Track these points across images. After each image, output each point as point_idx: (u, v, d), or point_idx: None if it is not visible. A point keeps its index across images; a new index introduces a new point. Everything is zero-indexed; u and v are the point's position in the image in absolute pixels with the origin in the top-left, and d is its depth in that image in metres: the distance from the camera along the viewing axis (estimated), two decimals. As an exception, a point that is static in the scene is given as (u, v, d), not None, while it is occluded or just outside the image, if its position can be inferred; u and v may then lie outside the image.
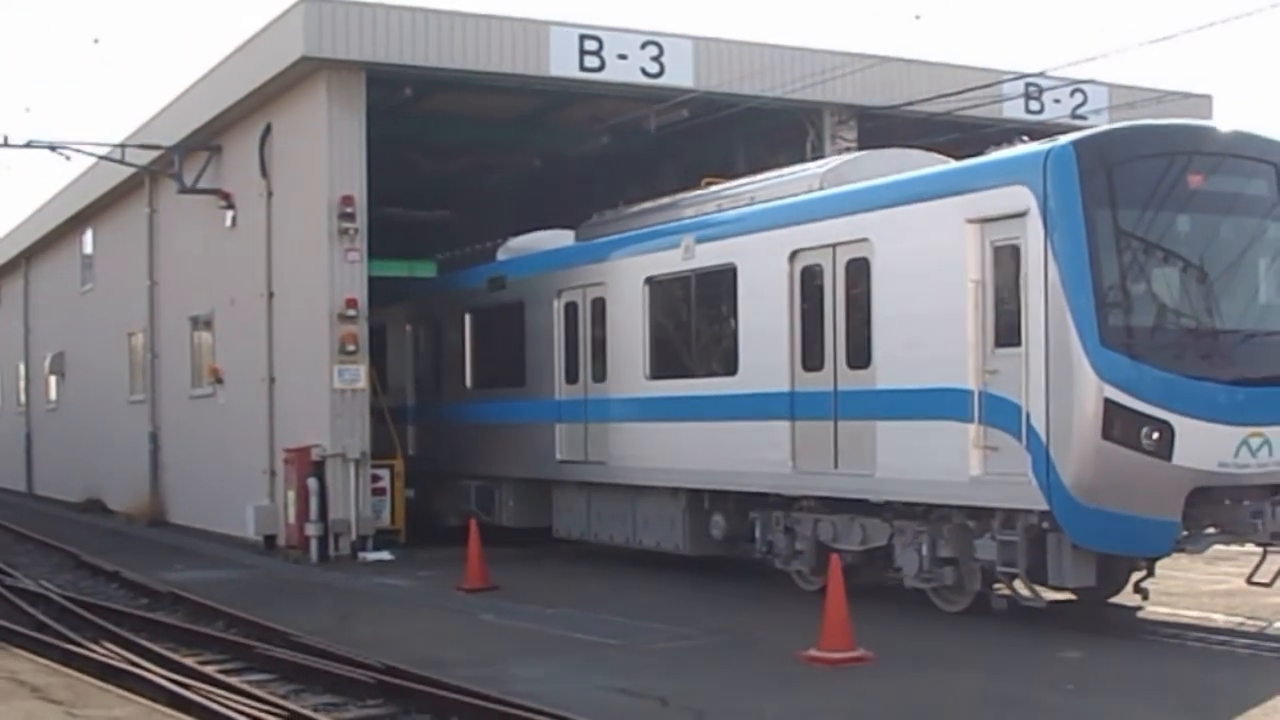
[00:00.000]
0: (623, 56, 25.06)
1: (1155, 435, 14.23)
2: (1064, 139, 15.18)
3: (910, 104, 26.21)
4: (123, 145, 31.40)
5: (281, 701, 12.50)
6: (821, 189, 18.38)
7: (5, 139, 28.80)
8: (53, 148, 29.31)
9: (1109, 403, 14.20)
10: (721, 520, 19.65)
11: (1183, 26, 50.00)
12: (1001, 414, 15.03)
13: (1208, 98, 30.06)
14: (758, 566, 19.38)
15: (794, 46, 26.53)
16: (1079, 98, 27.88)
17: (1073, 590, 15.86)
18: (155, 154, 30.27)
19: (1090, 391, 14.25)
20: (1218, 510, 14.80)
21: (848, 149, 26.74)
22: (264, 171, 26.68)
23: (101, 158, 32.05)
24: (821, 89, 25.70)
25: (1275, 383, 14.93)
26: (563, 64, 24.72)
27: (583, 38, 24.83)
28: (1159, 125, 16.41)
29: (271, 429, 26.31)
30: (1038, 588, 15.39)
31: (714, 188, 21.24)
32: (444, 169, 33.04)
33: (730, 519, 19.52)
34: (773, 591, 18.63)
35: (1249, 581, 15.74)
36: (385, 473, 24.80)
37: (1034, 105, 27.77)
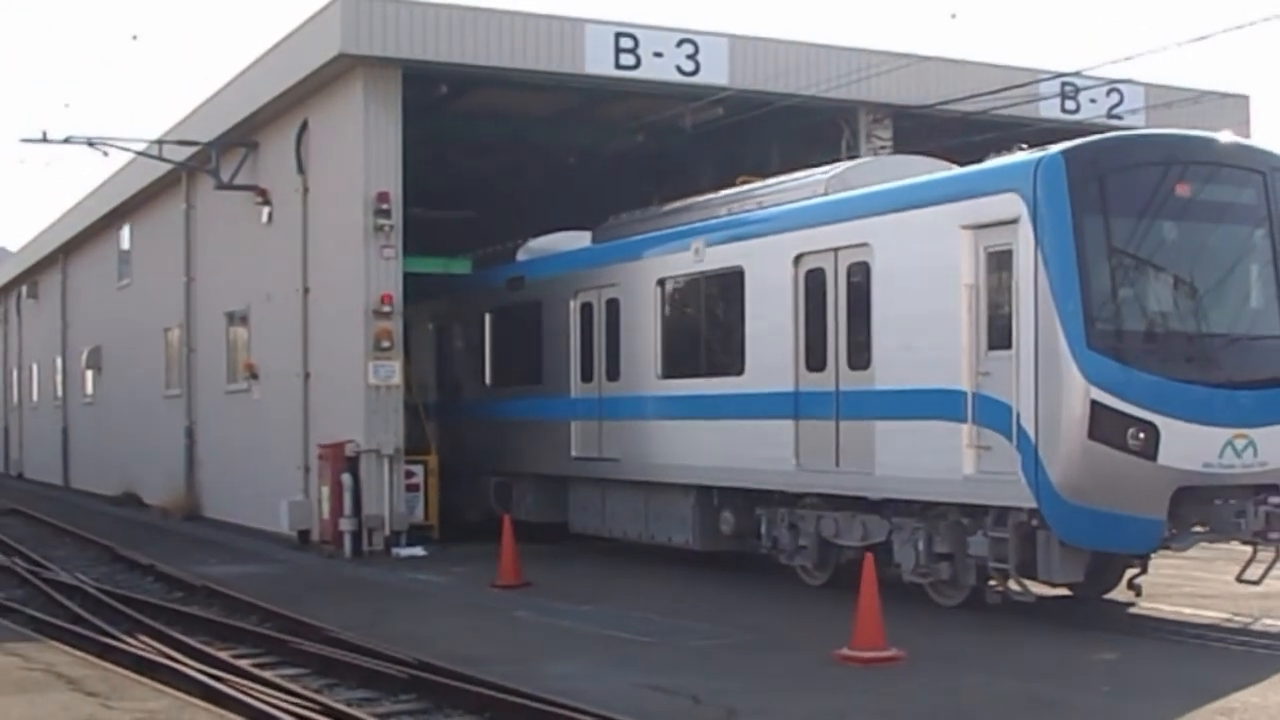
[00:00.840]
0: (658, 54, 25.07)
1: (1141, 436, 14.63)
2: (1055, 148, 15.48)
3: (946, 103, 26.16)
4: (160, 141, 31.54)
5: (315, 696, 12.55)
6: (826, 194, 18.78)
7: (44, 134, 29.15)
8: (91, 143, 29.48)
9: (1095, 404, 14.60)
10: (730, 516, 20.04)
11: (1220, 26, 49.77)
12: (994, 415, 15.46)
13: (1245, 97, 29.98)
14: (786, 566, 19.35)
15: (829, 45, 26.52)
16: (1115, 97, 27.78)
17: (1068, 587, 16.19)
18: (192, 150, 30.37)
19: (1077, 393, 14.66)
20: (1203, 509, 15.12)
21: (883, 148, 26.74)
22: (300, 168, 26.78)
23: (139, 154, 32.19)
24: (857, 87, 25.69)
25: (1260, 385, 15.32)
26: (598, 62, 24.74)
27: (618, 35, 24.85)
28: (1147, 135, 16.75)
29: (306, 424, 26.42)
30: (1029, 583, 15.65)
31: (723, 192, 21.61)
32: (479, 167, 33.09)
33: (739, 515, 19.89)
34: (804, 591, 18.62)
35: (1238, 579, 16.06)
36: (419, 469, 24.86)
37: (1070, 105, 27.66)
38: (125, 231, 40.70)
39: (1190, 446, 14.79)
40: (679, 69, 25.23)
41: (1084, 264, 14.87)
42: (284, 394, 27.45)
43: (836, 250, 17.77)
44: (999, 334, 15.51)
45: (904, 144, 27.02)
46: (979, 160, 16.97)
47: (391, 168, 24.10)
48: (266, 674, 13.52)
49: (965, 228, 15.88)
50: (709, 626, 16.06)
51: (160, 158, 31.39)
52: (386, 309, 23.93)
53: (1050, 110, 27.49)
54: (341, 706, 12.11)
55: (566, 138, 30.13)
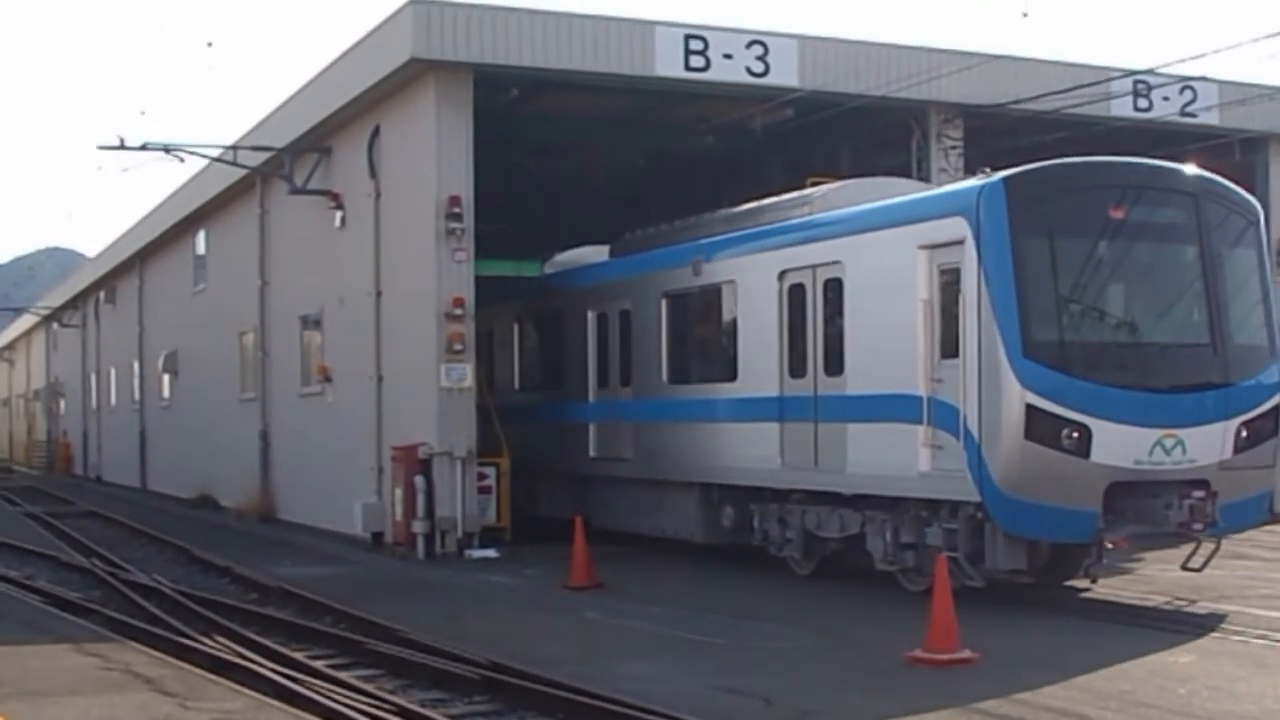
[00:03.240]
0: (728, 56, 25.05)
1: (1074, 435, 16.02)
2: (997, 175, 16.91)
3: (1016, 102, 26.01)
4: (235, 147, 31.83)
5: (389, 697, 12.64)
6: (812, 214, 20.27)
7: (122, 141, 29.37)
8: (167, 150, 29.76)
9: (1030, 407, 16.03)
10: (731, 512, 21.57)
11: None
12: (945, 417, 16.98)
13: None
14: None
15: (899, 45, 26.41)
16: (1188, 95, 27.52)
17: (1032, 575, 17.37)
18: (266, 155, 30.64)
19: (1014, 398, 16.11)
20: (1136, 502, 16.47)
21: (953, 148, 26.62)
22: (373, 172, 26.97)
23: (214, 159, 32.52)
24: (927, 87, 25.57)
25: (1188, 389, 16.77)
26: (668, 64, 24.76)
27: (688, 37, 24.84)
28: (1084, 162, 17.80)
29: (379, 427, 26.59)
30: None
31: (721, 212, 23.02)
32: (549, 169, 33.21)
33: (737, 511, 21.43)
34: (876, 591, 18.58)
35: (1183, 568, 17.41)
36: (491, 471, 24.96)
37: (1142, 103, 27.44)
38: (200, 237, 41.10)
39: (1121, 445, 16.15)
40: (749, 70, 25.20)
41: (1021, 281, 16.35)
42: (357, 397, 27.64)
43: (814, 267, 19.40)
44: (949, 344, 16.98)
45: (974, 144, 26.90)
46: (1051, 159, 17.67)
47: (463, 171, 24.21)
48: (341, 675, 13.64)
49: (921, 247, 17.42)
50: (780, 628, 16.07)
51: (235, 163, 31.70)
52: (458, 312, 24.04)
53: (1122, 109, 27.29)
54: (415, 707, 12.20)
55: (636, 140, 30.19)
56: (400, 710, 12.10)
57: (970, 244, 16.66)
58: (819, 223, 19.84)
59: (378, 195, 26.87)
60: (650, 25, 24.83)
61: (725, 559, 22.11)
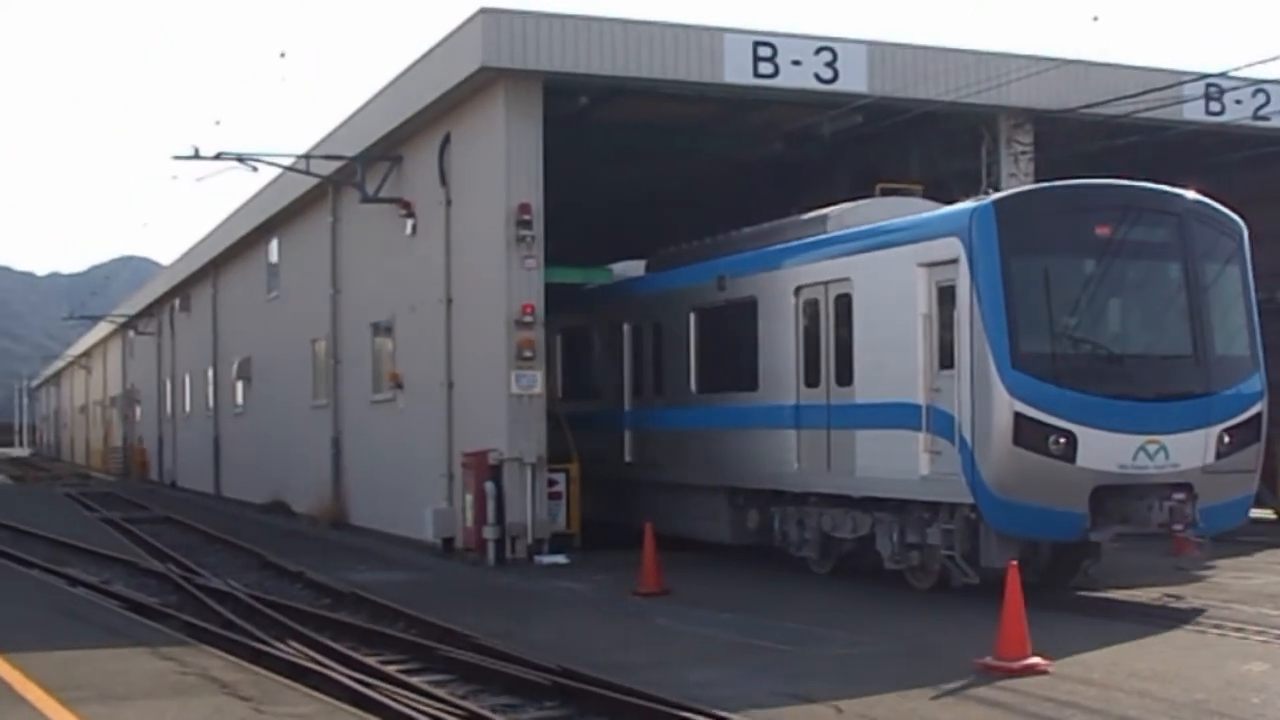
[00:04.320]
0: (796, 62, 25.00)
1: (1061, 441, 17.21)
2: (990, 198, 18.31)
3: (1087, 107, 25.81)
4: (307, 156, 32.07)
5: (460, 702, 12.74)
6: (828, 232, 21.45)
7: (196, 151, 29.68)
8: (241, 159, 30.06)
9: (1019, 415, 17.23)
10: (755, 514, 22.73)
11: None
12: (942, 424, 18.17)
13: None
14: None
15: (969, 50, 26.27)
16: (1261, 98, 27.25)
17: (1039, 575, 18.40)
18: (338, 164, 30.86)
19: (1003, 406, 17.31)
20: (1121, 504, 17.57)
21: (1023, 153, 26.47)
22: (443, 180, 27.13)
23: (287, 168, 32.77)
24: (997, 93, 25.42)
25: (1170, 398, 17.88)
26: (737, 71, 24.75)
27: (756, 44, 24.82)
28: (1072, 185, 18.82)
29: (450, 433, 26.73)
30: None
31: (746, 229, 24.17)
32: (618, 176, 33.27)
33: (761, 513, 22.61)
34: (945, 599, 18.53)
35: (1177, 568, 19.13)
36: (561, 477, 25.04)
37: (1214, 106, 27.20)
38: (273, 245, 41.47)
39: (1106, 451, 17.33)
40: (817, 76, 25.15)
41: (1010, 296, 17.56)
42: (428, 403, 27.81)
43: (827, 284, 20.70)
44: (946, 355, 18.21)
45: (1045, 149, 26.75)
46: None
47: (533, 179, 24.32)
48: (413, 680, 13.74)
49: (921, 265, 18.64)
50: (850, 634, 16.03)
51: (307, 172, 31.96)
52: (528, 319, 24.14)
53: (1194, 112, 27.06)
54: (486, 713, 12.28)
55: (705, 147, 30.18)
56: (471, 715, 12.18)
57: (964, 262, 17.87)
58: (831, 241, 21.12)
59: (448, 203, 27.03)
60: (719, 32, 24.84)
61: (786, 566, 22.09)
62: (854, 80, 25.33)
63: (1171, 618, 16.94)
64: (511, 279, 24.26)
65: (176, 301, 55.78)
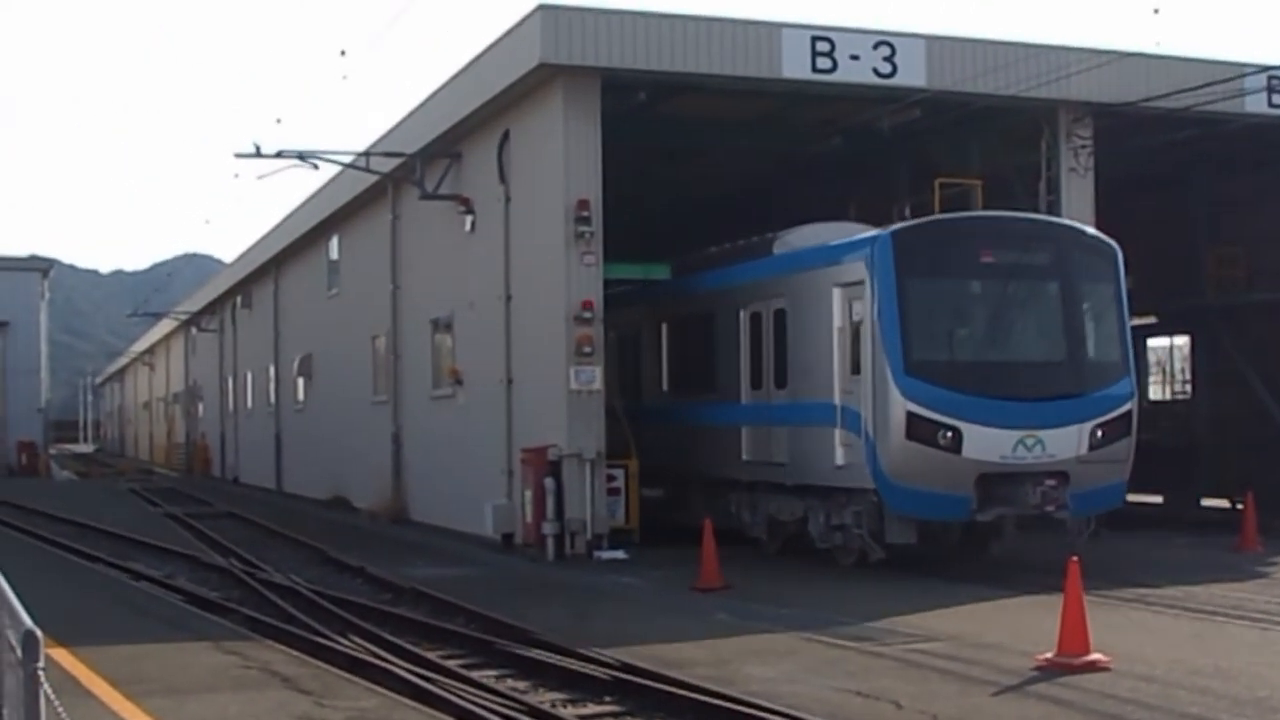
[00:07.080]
0: (854, 57, 24.93)
1: (948, 435, 19.91)
2: (889, 229, 21.00)
3: (1147, 100, 25.59)
4: (367, 153, 32.25)
5: (520, 696, 12.80)
6: (773, 253, 24.19)
7: (258, 149, 29.79)
8: (302, 157, 30.20)
9: (910, 414, 19.97)
10: (717, 500, 24.86)
11: None
12: (853, 421, 20.87)
13: None
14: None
15: (1028, 43, 26.07)
16: (1324, 90, 26.95)
17: (951, 554, 21.44)
18: (398, 161, 30.99)
19: (897, 406, 20.05)
20: (1003, 489, 20.06)
21: (1083, 147, 26.30)
22: (502, 177, 27.21)
23: (347, 166, 32.97)
24: (1056, 86, 25.25)
25: (1046, 398, 20.49)
26: (795, 66, 24.72)
27: (814, 39, 24.77)
28: (964, 217, 22.52)
29: (509, 429, 26.82)
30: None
31: (726, 245, 26.36)
32: (677, 173, 33.28)
33: (721, 499, 24.83)
34: (1002, 595, 18.48)
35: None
36: (620, 473, 25.08)
37: (1277, 99, 26.91)
38: (334, 242, 41.71)
39: (988, 443, 19.98)
40: (876, 71, 25.08)
41: (904, 313, 20.30)
42: (487, 399, 27.91)
43: (768, 299, 23.49)
44: (856, 363, 20.93)
45: (1105, 142, 26.56)
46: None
47: (591, 175, 24.37)
48: (473, 674, 13.82)
49: (836, 285, 21.49)
50: (911, 631, 15.99)
51: (367, 169, 32.14)
52: (587, 315, 24.20)
53: (1256, 105, 26.79)
54: (546, 707, 12.33)
55: (763, 142, 30.14)
56: (531, 710, 12.24)
57: (868, 283, 20.63)
58: (772, 263, 24.02)
59: (507, 199, 27.11)
60: (777, 27, 24.80)
61: (831, 566, 22.04)
62: (913, 75, 25.24)
63: (1232, 614, 16.81)
64: (570, 275, 24.32)
65: (238, 298, 56.18)
